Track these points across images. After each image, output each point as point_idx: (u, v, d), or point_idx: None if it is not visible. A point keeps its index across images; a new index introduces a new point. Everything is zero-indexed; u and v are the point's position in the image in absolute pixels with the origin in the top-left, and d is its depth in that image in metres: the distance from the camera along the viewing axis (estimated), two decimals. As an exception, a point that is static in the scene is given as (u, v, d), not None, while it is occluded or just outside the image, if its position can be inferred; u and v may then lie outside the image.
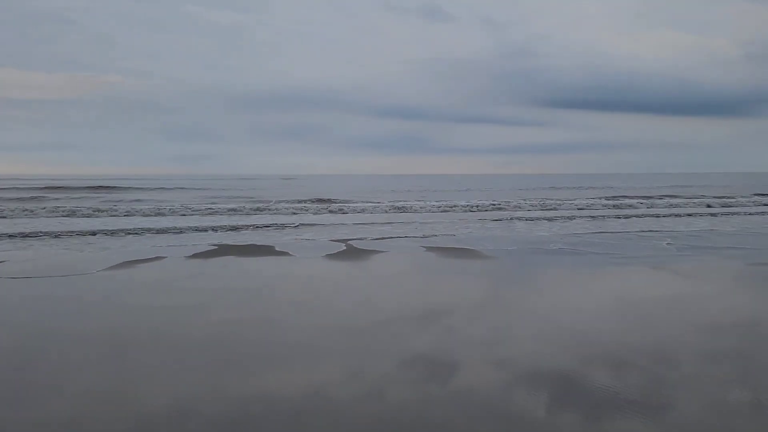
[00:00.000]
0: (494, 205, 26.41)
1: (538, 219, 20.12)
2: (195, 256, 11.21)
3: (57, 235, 14.49)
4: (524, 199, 29.79)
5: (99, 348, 5.41)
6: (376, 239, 13.80)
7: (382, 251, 11.89)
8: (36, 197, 32.34)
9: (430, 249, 12.20)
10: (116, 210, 22.12)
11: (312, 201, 27.45)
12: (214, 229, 16.68)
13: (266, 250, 12.07)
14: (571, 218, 20.49)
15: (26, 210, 21.91)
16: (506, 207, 25.93)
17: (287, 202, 26.97)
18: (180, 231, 15.69)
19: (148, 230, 15.67)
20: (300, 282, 8.80)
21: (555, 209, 24.93)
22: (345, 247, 12.44)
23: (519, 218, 20.41)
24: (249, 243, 13.34)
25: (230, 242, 13.45)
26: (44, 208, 22.48)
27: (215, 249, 12.28)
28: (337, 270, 9.97)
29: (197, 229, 16.18)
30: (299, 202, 27.08)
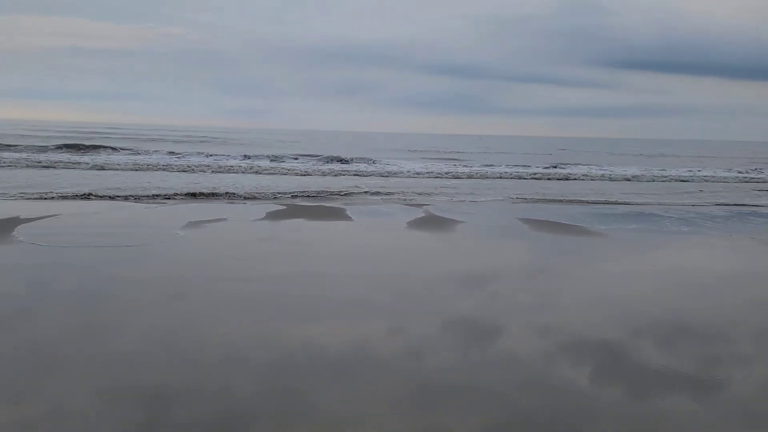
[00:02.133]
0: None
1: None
2: (267, 216, 10.33)
3: (137, 198, 13.95)
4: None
5: (160, 297, 5.54)
6: (461, 201, 12.59)
7: (461, 221, 10.68)
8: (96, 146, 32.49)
9: (525, 221, 10.92)
10: (184, 164, 21.68)
11: (381, 161, 26.32)
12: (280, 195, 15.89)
13: (337, 214, 11.06)
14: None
15: (96, 165, 21.72)
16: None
17: (363, 160, 25.91)
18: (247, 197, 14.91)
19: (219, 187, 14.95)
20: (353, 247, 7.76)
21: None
22: (423, 214, 11.28)
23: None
24: (319, 204, 12.38)
25: (300, 201, 12.55)
26: (113, 164, 22.23)
27: (285, 209, 11.37)
28: (413, 239, 8.86)
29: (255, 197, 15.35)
30: (372, 162, 25.99)
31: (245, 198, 12.95)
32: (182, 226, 9.01)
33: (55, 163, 19.88)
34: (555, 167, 25.26)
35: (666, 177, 22.75)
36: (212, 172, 19.04)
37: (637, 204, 14.09)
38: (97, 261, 6.70)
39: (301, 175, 19.42)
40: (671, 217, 11.79)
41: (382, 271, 6.71)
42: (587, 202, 14.09)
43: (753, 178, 24.19)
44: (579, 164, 28.22)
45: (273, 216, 10.47)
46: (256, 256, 7.29)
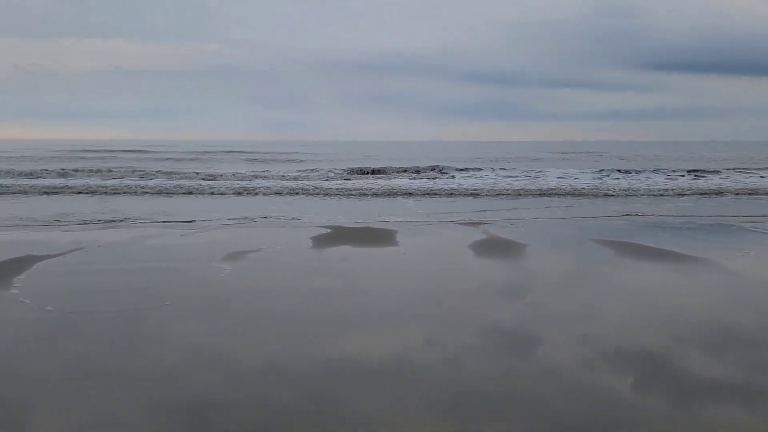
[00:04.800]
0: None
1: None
2: (312, 240, 9.26)
3: (175, 221, 13.10)
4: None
5: (202, 312, 5.61)
6: (522, 218, 11.28)
7: (528, 244, 9.39)
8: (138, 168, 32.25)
9: (602, 243, 9.56)
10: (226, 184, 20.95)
11: (424, 169, 25.12)
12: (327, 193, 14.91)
13: (386, 237, 9.92)
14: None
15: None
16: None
17: (402, 171, 24.80)
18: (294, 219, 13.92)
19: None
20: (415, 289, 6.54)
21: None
22: (484, 235, 10.03)
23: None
24: (365, 225, 11.27)
25: (344, 222, 11.47)
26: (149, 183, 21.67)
27: (329, 233, 10.31)
28: (480, 269, 7.62)
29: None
30: (415, 171, 24.81)
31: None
32: (221, 257, 8.02)
33: (104, 187, 19.36)
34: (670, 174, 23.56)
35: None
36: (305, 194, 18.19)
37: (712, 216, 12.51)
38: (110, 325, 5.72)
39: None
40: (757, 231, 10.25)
41: (447, 313, 5.50)
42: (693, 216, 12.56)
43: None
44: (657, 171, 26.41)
45: (318, 242, 9.40)
46: (301, 292, 6.19)
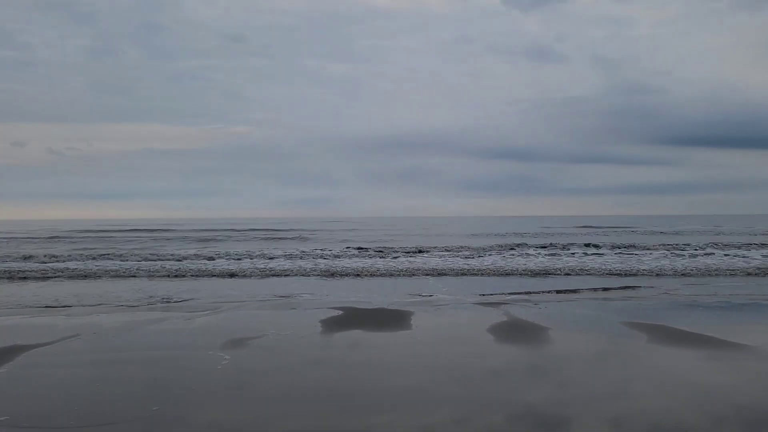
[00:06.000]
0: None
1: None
2: (322, 324, 8.71)
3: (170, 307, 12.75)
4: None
5: (192, 417, 5.10)
6: (546, 301, 10.62)
7: (550, 327, 8.73)
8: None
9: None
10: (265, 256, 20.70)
11: (447, 248, 24.60)
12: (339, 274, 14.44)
13: (399, 321, 9.34)
14: None
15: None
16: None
17: (435, 250, 24.35)
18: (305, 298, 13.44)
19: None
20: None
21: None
22: (505, 317, 9.40)
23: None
24: (379, 307, 10.71)
25: (357, 303, 10.92)
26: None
27: (340, 315, 9.77)
28: (501, 356, 6.94)
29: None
30: (446, 249, 24.36)
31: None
32: (222, 344, 7.51)
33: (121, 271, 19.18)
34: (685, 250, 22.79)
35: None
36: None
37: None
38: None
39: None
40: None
41: (471, 417, 4.85)
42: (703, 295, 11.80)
43: None
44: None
45: (327, 326, 8.86)
46: (307, 385, 5.61)
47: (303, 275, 16.55)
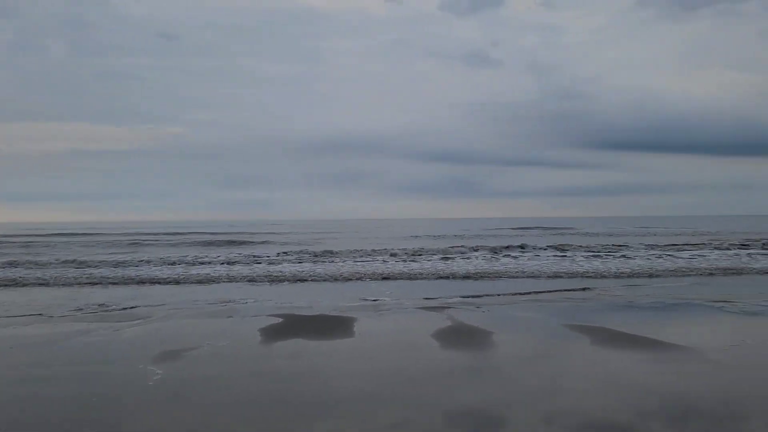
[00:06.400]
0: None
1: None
2: (261, 333, 8.35)
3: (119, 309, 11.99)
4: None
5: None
6: (488, 304, 10.63)
7: (496, 331, 8.73)
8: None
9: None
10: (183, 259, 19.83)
11: (383, 250, 24.45)
12: (278, 280, 14.04)
13: (341, 327, 9.11)
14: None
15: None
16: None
17: (366, 253, 24.13)
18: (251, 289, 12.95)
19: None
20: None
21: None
22: (450, 322, 9.33)
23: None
24: (321, 313, 10.43)
25: (298, 310, 10.58)
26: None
27: (280, 323, 9.44)
28: (446, 364, 6.84)
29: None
30: (375, 252, 24.19)
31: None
32: (153, 357, 7.05)
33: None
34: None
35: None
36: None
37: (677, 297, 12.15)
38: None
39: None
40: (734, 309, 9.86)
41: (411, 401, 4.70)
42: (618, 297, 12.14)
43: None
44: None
45: (267, 335, 8.52)
46: (247, 400, 5.29)
47: (240, 281, 16.02)
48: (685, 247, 25.93)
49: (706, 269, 17.59)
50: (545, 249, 25.17)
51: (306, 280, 16.09)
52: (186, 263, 20.25)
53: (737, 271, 17.16)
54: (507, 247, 26.02)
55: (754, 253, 22.42)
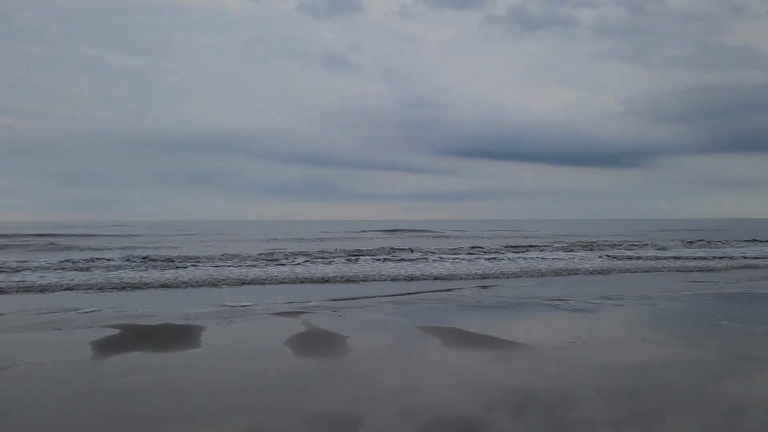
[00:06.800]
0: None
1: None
2: (93, 347, 7.46)
3: None
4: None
5: None
6: (346, 307, 10.51)
7: (350, 336, 8.66)
8: None
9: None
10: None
11: (248, 256, 23.52)
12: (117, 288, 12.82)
13: (187, 337, 8.50)
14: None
15: None
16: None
17: (218, 259, 22.96)
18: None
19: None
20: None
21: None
22: (304, 327, 9.07)
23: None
24: (165, 322, 9.66)
25: (139, 319, 9.70)
26: None
27: (117, 335, 8.56)
28: (301, 372, 6.62)
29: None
30: (237, 258, 23.14)
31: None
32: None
33: None
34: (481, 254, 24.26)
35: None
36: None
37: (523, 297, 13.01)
38: None
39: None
40: (566, 306, 10.73)
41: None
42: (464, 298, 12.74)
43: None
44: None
45: (100, 349, 7.66)
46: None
47: (74, 288, 14.45)
48: (530, 249, 28.05)
49: (546, 270, 19.07)
50: (405, 251, 25.83)
51: (153, 287, 14.94)
52: (9, 269, 17.91)
53: (570, 272, 18.79)
54: (368, 250, 26.33)
55: (584, 256, 24.79)
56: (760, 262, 22.48)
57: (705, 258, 23.84)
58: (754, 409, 5.29)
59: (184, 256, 22.67)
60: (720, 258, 23.83)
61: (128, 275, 16.90)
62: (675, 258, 23.75)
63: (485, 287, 14.76)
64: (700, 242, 34.28)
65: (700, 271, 19.26)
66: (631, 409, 5.23)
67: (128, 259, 21.54)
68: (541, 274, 18.22)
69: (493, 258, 23.31)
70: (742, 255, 25.37)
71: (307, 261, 21.55)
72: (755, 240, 35.75)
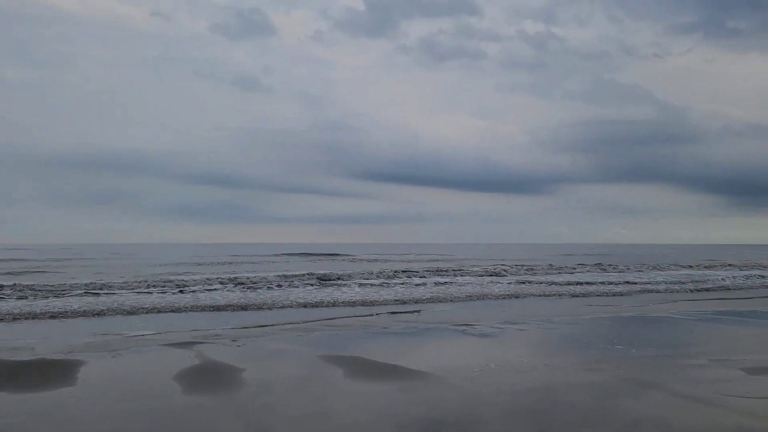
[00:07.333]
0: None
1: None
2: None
3: None
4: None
5: None
6: (244, 336, 9.87)
7: (246, 368, 8.12)
8: None
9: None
10: None
11: (152, 282, 22.03)
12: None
13: (61, 374, 7.63)
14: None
15: None
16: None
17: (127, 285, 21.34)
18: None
19: None
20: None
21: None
22: (197, 360, 8.40)
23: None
24: (39, 357, 8.65)
25: (8, 354, 8.63)
26: None
27: (-24, 374, 7.52)
28: (187, 413, 6.02)
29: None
30: (143, 283, 21.60)
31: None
32: None
33: None
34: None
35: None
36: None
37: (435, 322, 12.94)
38: None
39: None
40: (478, 332, 10.71)
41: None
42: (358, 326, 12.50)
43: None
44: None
45: (-49, 391, 6.66)
46: None
47: None
48: (441, 272, 28.34)
49: (456, 294, 19.21)
50: (309, 275, 25.27)
51: (24, 318, 13.55)
52: None
53: (480, 297, 19.03)
54: (275, 276, 25.54)
55: (493, 280, 25.33)
56: (652, 287, 23.88)
57: (603, 282, 25.03)
58: (645, 424, 5.54)
59: (73, 283, 20.95)
60: (617, 283, 25.11)
61: (9, 305, 15.29)
62: (577, 283, 24.74)
63: (394, 313, 14.57)
64: (597, 265, 36.12)
65: (598, 295, 20.13)
66: (537, 429, 5.34)
67: (14, 286, 19.60)
68: (452, 299, 18.30)
69: (404, 283, 23.28)
70: (637, 279, 26.91)
71: (210, 286, 20.53)
72: (643, 264, 38.16)
